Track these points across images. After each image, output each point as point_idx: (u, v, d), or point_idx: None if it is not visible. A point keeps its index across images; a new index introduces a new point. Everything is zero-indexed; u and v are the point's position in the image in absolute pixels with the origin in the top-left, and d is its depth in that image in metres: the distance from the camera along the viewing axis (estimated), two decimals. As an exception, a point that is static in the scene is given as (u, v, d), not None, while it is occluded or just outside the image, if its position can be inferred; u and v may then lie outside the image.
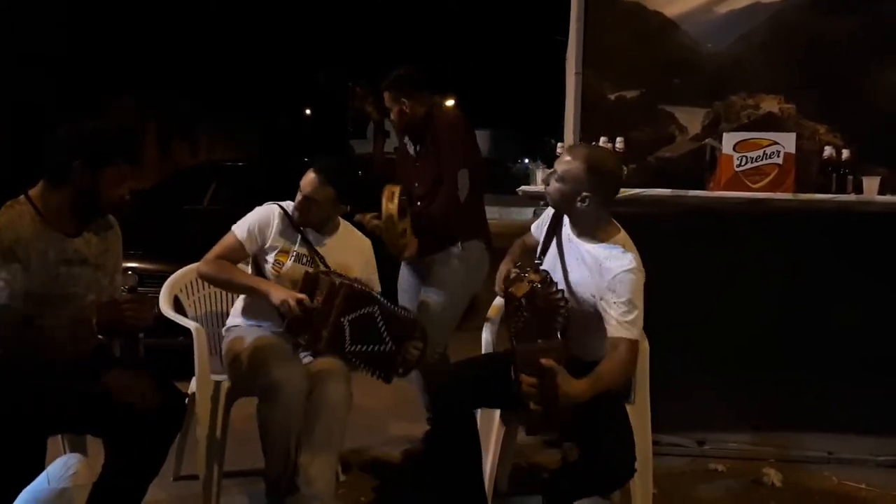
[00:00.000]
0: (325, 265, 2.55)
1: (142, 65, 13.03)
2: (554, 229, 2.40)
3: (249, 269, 2.68)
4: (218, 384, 2.58)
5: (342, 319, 2.42)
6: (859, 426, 3.07)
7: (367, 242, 2.75)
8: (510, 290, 2.22)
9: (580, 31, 3.24)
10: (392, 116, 3.05)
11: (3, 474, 1.82)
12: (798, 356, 3.04)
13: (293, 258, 2.56)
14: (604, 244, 2.24)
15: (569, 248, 2.34)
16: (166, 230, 4.62)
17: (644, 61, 3.29)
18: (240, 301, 2.69)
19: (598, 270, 2.22)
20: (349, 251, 2.67)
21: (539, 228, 2.52)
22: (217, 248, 2.58)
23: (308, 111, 20.17)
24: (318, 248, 2.59)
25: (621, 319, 2.15)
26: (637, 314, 2.16)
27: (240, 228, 2.58)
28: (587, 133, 3.19)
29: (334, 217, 2.66)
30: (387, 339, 2.46)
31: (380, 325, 2.45)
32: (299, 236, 2.58)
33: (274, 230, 2.58)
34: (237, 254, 2.58)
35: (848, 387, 3.02)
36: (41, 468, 1.88)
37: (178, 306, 2.77)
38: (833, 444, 3.10)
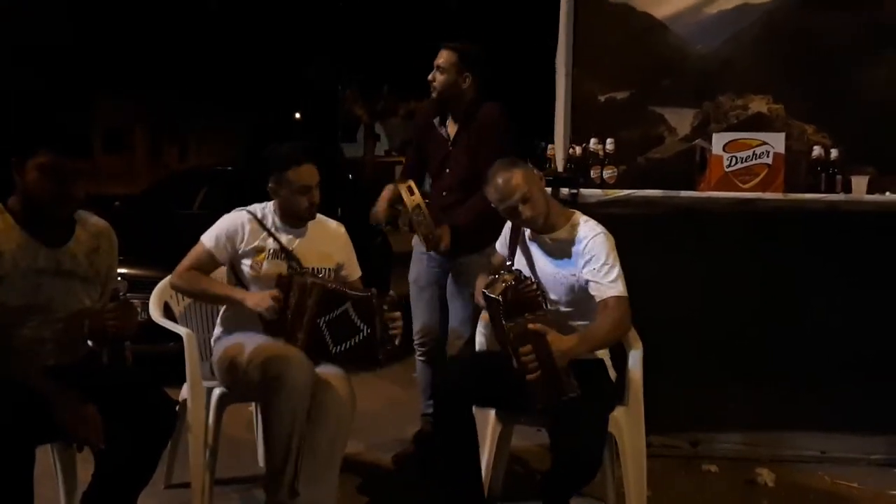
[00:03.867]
0: (300, 265, 2.53)
1: (132, 68, 12.98)
2: (516, 237, 2.52)
3: (225, 277, 2.65)
4: (209, 390, 2.56)
5: (318, 321, 2.41)
6: (852, 425, 3.08)
7: (341, 228, 2.74)
8: (487, 291, 2.32)
9: (569, 33, 3.25)
10: (436, 79, 2.91)
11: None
12: (790, 356, 3.04)
13: (270, 256, 2.54)
14: (566, 226, 2.41)
15: (534, 248, 2.47)
16: (156, 235, 4.59)
17: (633, 63, 3.30)
18: (222, 313, 2.67)
19: (570, 249, 2.37)
20: (326, 239, 2.65)
21: (503, 244, 2.63)
22: (188, 260, 2.56)
23: (298, 115, 20.14)
24: (291, 247, 2.56)
25: (604, 280, 2.30)
26: (617, 271, 2.32)
27: (208, 238, 2.56)
28: (577, 134, 3.20)
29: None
30: (360, 325, 2.44)
31: (353, 317, 2.43)
32: (271, 238, 2.56)
33: (245, 236, 2.55)
34: (208, 264, 2.56)
35: (840, 386, 3.03)
36: (30, 477, 1.86)
37: (168, 312, 2.74)
38: (826, 444, 3.11)
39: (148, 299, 2.71)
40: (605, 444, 2.32)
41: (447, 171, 2.98)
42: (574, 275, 2.36)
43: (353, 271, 2.70)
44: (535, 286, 2.31)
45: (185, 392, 2.57)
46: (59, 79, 11.65)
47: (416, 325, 3.11)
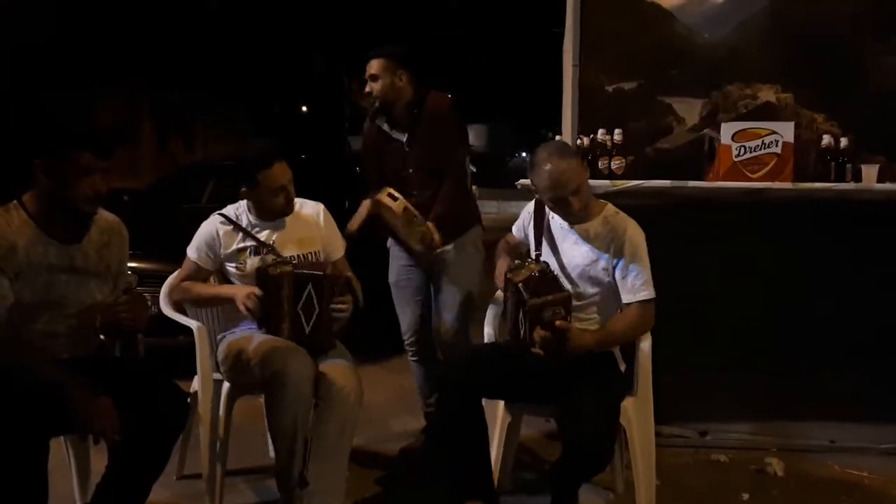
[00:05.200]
0: (278, 255, 2.53)
1: (135, 59, 12.98)
2: (541, 223, 2.47)
3: (215, 281, 2.67)
4: (220, 382, 2.58)
5: (297, 309, 2.42)
6: (861, 414, 3.07)
7: (319, 206, 2.72)
8: (509, 275, 2.31)
9: (577, 23, 3.23)
10: (374, 90, 2.92)
11: (6, 476, 1.81)
12: (799, 345, 3.04)
13: (251, 253, 2.55)
14: (599, 217, 2.38)
15: (563, 235, 2.43)
16: (165, 229, 4.60)
17: (641, 52, 3.28)
18: (222, 313, 2.68)
19: (601, 241, 2.34)
20: (304, 225, 2.65)
21: (520, 228, 2.61)
22: (180, 274, 2.61)
23: (304, 108, 20.12)
24: (273, 238, 2.56)
25: (634, 283, 2.30)
26: (648, 274, 2.31)
27: (192, 251, 2.59)
28: (585, 125, 3.19)
29: None
30: (316, 305, 2.43)
31: (314, 297, 2.42)
32: (248, 237, 2.56)
33: (222, 241, 2.56)
34: (198, 275, 2.59)
35: (850, 375, 3.02)
36: (44, 470, 1.88)
37: (179, 305, 2.76)
38: (835, 433, 3.10)
39: (158, 293, 2.73)
40: (616, 435, 2.32)
41: (410, 171, 2.97)
42: (605, 269, 2.34)
43: (336, 249, 2.69)
44: (555, 277, 2.31)
45: (195, 384, 2.59)
46: (63, 75, 11.68)
47: (403, 326, 3.12)
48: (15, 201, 2.08)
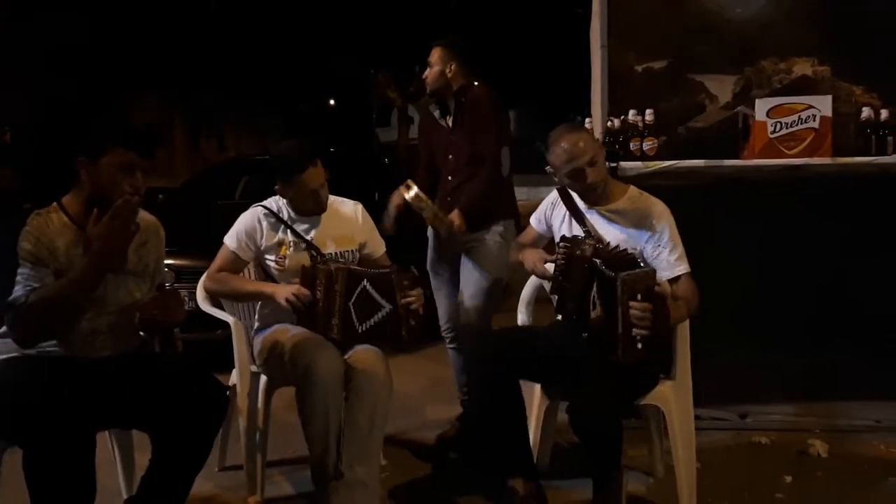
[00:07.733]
0: (319, 252, 2.54)
1: (165, 61, 13.16)
2: (572, 206, 2.47)
3: (253, 275, 2.69)
4: (257, 375, 2.61)
5: (348, 304, 2.42)
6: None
7: (358, 206, 2.73)
8: (577, 253, 2.25)
9: (604, 3, 3.19)
10: (428, 75, 3.06)
11: (53, 472, 1.86)
12: (840, 324, 2.98)
13: (292, 248, 2.56)
14: (623, 199, 2.38)
15: (592, 218, 2.42)
16: (200, 226, 4.67)
17: (670, 30, 3.22)
18: (259, 309, 2.69)
19: (630, 221, 2.34)
20: (342, 223, 2.66)
21: (540, 219, 2.59)
22: (216, 263, 2.60)
23: (332, 101, 20.21)
24: (310, 235, 2.57)
25: (671, 258, 2.29)
26: (682, 249, 2.31)
27: (230, 239, 2.59)
28: (615, 106, 3.15)
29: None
30: (382, 302, 2.44)
31: (373, 293, 2.43)
32: (289, 230, 2.57)
33: (263, 232, 2.57)
34: (235, 264, 2.59)
35: (894, 353, 2.95)
36: (92, 463, 1.93)
37: (215, 300, 2.79)
38: (881, 412, 3.03)
39: (195, 288, 2.76)
40: (621, 424, 2.19)
41: (450, 157, 3.06)
42: (635, 248, 2.32)
43: (377, 247, 2.70)
44: (619, 248, 2.27)
45: (234, 377, 2.62)
46: (95, 79, 11.92)
47: (440, 313, 3.14)
48: (55, 203, 2.12)
